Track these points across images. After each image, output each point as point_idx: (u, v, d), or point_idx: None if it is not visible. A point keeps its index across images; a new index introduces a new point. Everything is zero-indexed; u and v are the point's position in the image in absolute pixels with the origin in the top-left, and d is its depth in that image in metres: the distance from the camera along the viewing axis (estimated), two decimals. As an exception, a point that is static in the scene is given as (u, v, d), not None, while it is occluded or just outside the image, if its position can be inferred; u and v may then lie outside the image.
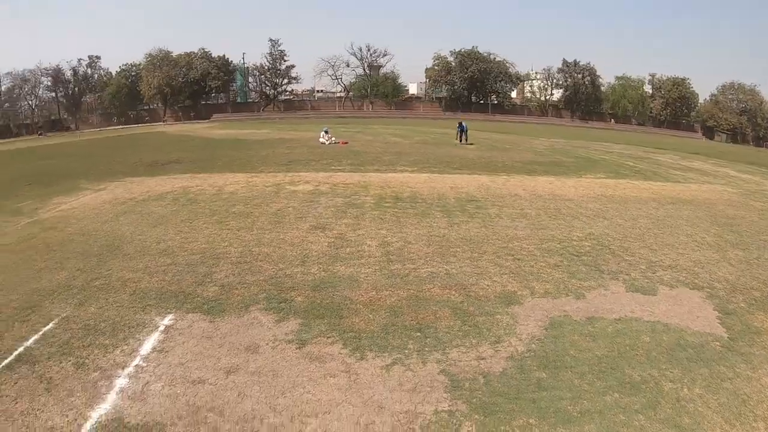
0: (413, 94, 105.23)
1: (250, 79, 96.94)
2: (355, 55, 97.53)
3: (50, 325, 8.33)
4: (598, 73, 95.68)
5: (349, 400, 6.32)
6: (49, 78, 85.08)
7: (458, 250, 11.87)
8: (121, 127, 79.43)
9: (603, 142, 46.62)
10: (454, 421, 5.95)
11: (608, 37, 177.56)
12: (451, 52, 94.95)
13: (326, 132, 35.54)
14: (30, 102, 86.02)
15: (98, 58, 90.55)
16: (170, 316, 8.58)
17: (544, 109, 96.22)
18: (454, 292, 9.49)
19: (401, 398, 6.36)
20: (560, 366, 7.11)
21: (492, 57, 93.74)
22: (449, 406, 6.22)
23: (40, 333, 8.07)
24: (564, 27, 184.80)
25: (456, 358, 7.27)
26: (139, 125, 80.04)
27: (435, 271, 10.54)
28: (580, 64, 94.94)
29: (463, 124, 38.35)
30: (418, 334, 7.94)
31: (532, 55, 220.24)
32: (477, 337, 7.88)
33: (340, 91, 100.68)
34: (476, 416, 6.02)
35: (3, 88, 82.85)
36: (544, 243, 12.51)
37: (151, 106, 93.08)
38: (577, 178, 22.60)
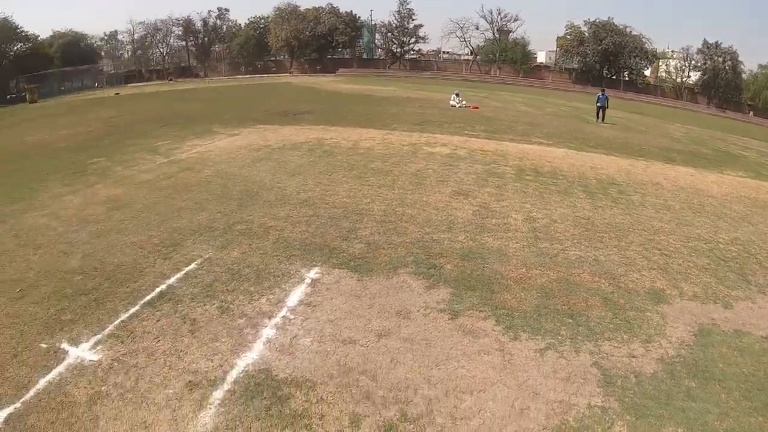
0: (541, 63, 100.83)
1: (377, 36, 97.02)
2: (485, 18, 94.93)
3: (192, 265, 8.55)
4: (740, 59, 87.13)
5: (504, 381, 6.08)
6: (180, 28, 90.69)
7: (605, 236, 11.24)
8: (248, 76, 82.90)
9: (740, 136, 42.44)
10: (607, 418, 5.60)
11: (752, 19, 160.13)
12: (585, 21, 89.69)
13: (457, 95, 34.98)
14: (161, 50, 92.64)
15: (227, 10, 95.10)
16: (316, 269, 8.58)
17: (678, 91, 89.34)
18: (603, 281, 8.95)
19: (555, 386, 6.05)
20: (709, 377, 6.51)
21: (628, 30, 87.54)
22: (602, 401, 5.86)
23: (183, 272, 8.29)
24: (705, 4, 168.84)
25: (608, 352, 6.83)
26: (266, 75, 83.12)
27: (583, 255, 10.02)
28: (722, 46, 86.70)
29: (605, 95, 34.24)
30: (570, 320, 7.54)
31: (668, 32, 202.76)
32: (628, 333, 7.37)
33: (467, 54, 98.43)
34: (628, 417, 5.65)
35: (136, 36, 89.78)
36: (690, 241, 11.54)
37: (278, 58, 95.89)
38: (718, 174, 20.70)
